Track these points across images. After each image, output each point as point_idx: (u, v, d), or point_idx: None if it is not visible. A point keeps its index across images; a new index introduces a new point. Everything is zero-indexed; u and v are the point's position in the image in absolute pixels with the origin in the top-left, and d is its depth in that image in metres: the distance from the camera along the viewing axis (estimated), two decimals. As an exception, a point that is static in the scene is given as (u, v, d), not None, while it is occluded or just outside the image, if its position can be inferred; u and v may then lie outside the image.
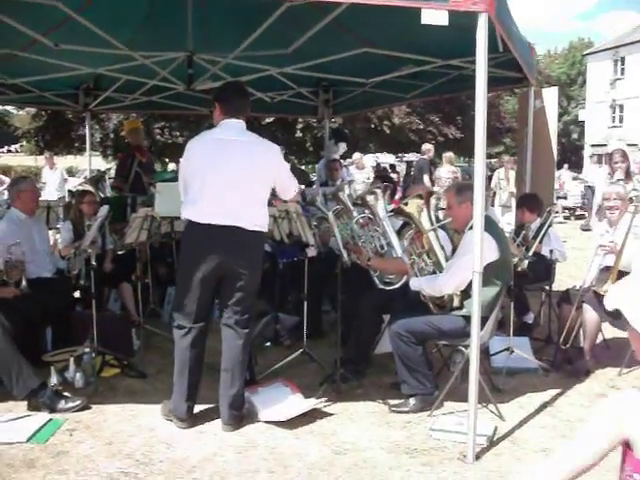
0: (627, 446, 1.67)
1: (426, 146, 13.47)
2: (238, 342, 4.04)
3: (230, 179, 3.86)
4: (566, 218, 18.89)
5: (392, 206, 5.13)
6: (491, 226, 4.21)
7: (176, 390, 4.05)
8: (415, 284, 4.40)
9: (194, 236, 3.94)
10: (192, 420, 4.05)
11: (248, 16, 5.29)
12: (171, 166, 20.05)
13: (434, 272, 4.42)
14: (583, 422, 4.11)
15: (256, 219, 3.94)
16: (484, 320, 3.96)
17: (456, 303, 4.27)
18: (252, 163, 3.92)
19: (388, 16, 4.67)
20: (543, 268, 5.65)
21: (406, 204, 4.54)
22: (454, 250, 4.49)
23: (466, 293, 4.16)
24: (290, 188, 4.25)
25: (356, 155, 14.96)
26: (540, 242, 5.73)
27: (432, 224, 4.44)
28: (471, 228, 3.93)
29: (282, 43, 6.07)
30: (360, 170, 13.74)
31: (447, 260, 4.40)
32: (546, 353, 5.45)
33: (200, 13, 5.54)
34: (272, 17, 5.19)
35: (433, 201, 4.49)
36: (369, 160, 20.71)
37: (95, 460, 3.57)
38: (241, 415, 4.06)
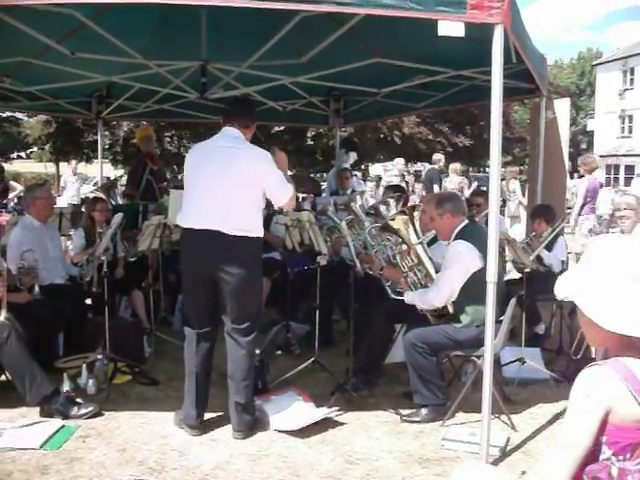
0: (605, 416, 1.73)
1: (437, 156, 13.49)
2: (239, 351, 4.02)
3: (210, 184, 3.93)
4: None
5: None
6: (471, 235, 4.25)
7: (186, 397, 4.08)
8: (409, 298, 4.45)
9: (183, 241, 4.09)
10: (203, 427, 4.06)
11: (262, 26, 5.31)
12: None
13: (426, 285, 4.47)
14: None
15: (238, 224, 3.88)
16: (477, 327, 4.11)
17: (451, 311, 4.30)
18: (233, 168, 3.91)
19: (402, 27, 4.68)
20: (544, 277, 5.61)
21: (393, 219, 4.57)
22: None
23: (459, 304, 4.23)
24: (280, 195, 4.10)
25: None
26: (546, 248, 5.76)
27: (418, 237, 4.47)
28: (455, 239, 4.24)
29: (295, 53, 6.11)
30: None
31: (437, 272, 4.42)
32: (557, 364, 5.43)
33: (214, 22, 5.58)
34: (287, 27, 5.22)
35: (417, 214, 4.51)
36: (378, 170, 20.71)
37: (108, 467, 3.58)
38: (251, 422, 4.06)
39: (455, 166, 13.27)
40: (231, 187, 3.89)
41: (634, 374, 1.69)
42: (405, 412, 4.36)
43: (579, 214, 10.03)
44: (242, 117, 4.13)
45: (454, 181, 12.96)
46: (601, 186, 12.32)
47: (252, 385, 4.12)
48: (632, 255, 1.74)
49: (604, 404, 1.69)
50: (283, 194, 4.10)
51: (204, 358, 4.08)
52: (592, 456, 1.74)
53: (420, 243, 4.48)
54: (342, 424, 4.22)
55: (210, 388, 4.20)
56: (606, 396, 1.69)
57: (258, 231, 4.00)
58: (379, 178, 16.93)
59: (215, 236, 3.84)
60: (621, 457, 1.70)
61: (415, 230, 4.48)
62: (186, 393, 4.08)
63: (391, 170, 14.52)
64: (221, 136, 4.11)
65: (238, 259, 3.88)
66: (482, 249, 4.15)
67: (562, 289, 1.81)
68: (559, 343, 5.78)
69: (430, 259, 4.53)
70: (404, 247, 4.58)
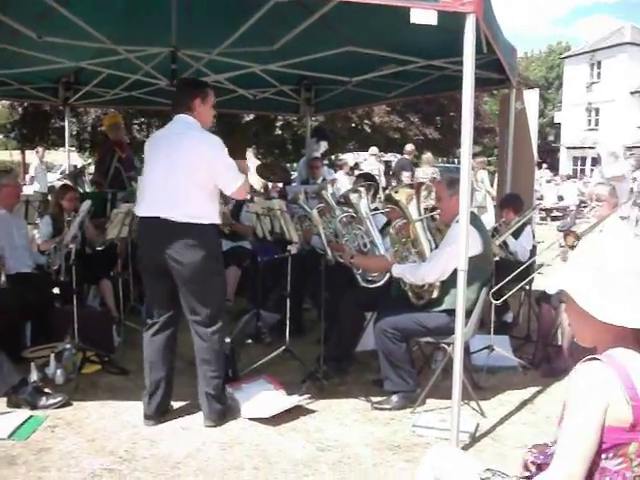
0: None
1: (410, 147, 13.51)
2: (201, 343, 3.99)
3: (159, 172, 3.91)
4: (543, 219, 19.08)
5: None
6: (476, 220, 4.28)
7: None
8: (398, 270, 4.43)
9: (138, 229, 4.14)
10: (158, 417, 4.01)
11: (233, 12, 5.28)
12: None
13: (415, 262, 4.47)
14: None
15: (187, 210, 3.81)
16: (468, 313, 4.00)
17: (435, 295, 4.30)
18: (181, 154, 3.86)
19: (374, 15, 4.68)
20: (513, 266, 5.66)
21: (396, 192, 4.57)
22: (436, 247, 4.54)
23: (445, 288, 4.22)
24: (228, 181, 3.96)
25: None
26: (513, 237, 5.85)
27: (420, 214, 4.48)
28: (458, 221, 3.96)
29: (266, 40, 6.06)
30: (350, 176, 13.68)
31: (432, 251, 4.44)
32: (525, 351, 5.52)
33: (185, 8, 5.52)
34: (258, 14, 5.18)
35: (423, 192, 4.53)
36: (349, 159, 20.72)
37: (78, 457, 3.55)
38: (222, 411, 4.04)
39: (428, 156, 13.31)
40: (179, 173, 3.83)
41: (627, 371, 1.67)
42: (376, 399, 4.39)
43: None
44: (182, 102, 4.02)
45: (426, 171, 13.00)
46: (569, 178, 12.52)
47: (221, 374, 4.08)
48: (628, 250, 1.75)
49: (604, 404, 1.66)
50: (232, 180, 3.96)
51: (160, 348, 4.02)
52: None
53: (420, 220, 4.48)
54: (313, 412, 4.24)
55: (176, 377, 4.17)
56: (605, 395, 1.66)
57: (211, 218, 3.92)
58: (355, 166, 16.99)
59: (164, 224, 3.81)
60: (603, 455, 1.68)
61: (418, 207, 4.48)
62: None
63: (367, 160, 14.52)
64: (173, 123, 4.06)
65: (189, 247, 3.81)
66: (482, 236, 4.22)
67: (557, 283, 1.80)
68: (527, 331, 5.87)
69: (428, 239, 4.54)
70: (400, 222, 4.58)
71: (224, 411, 4.06)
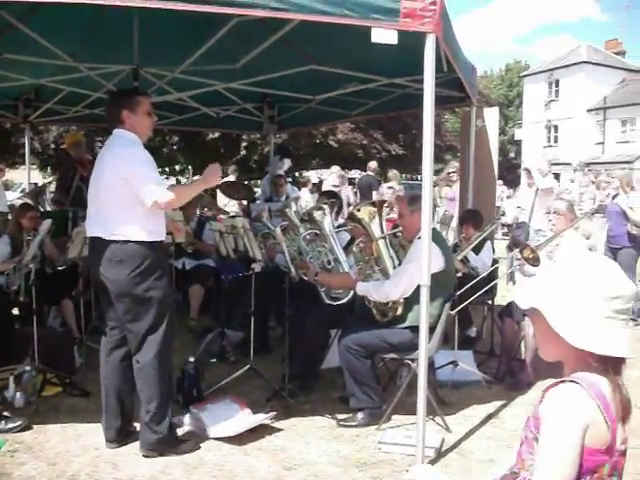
0: None
1: (374, 164, 13.65)
2: (134, 365, 3.84)
3: (91, 190, 3.92)
4: (505, 234, 19.31)
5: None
6: (438, 237, 4.33)
7: None
8: (362, 288, 4.45)
9: None
10: (120, 440, 3.91)
11: (196, 30, 5.27)
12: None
13: (379, 280, 4.49)
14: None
15: (113, 228, 3.72)
16: (431, 329, 3.99)
17: (399, 311, 4.32)
18: (100, 172, 3.83)
19: (336, 34, 4.72)
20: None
21: (359, 210, 4.60)
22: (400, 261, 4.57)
23: (408, 304, 4.25)
24: (143, 195, 3.68)
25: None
26: (474, 252, 5.91)
27: (383, 232, 4.51)
28: (420, 237, 4.00)
29: (229, 58, 6.07)
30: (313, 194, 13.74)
31: (395, 268, 4.46)
32: (489, 366, 5.57)
33: (147, 26, 5.49)
34: (220, 32, 5.19)
35: (385, 210, 4.56)
36: (312, 177, 20.80)
37: (37, 481, 3.47)
38: (156, 441, 3.79)
39: (395, 173, 13.44)
40: (101, 192, 3.81)
41: (602, 391, 1.67)
42: (341, 417, 4.39)
43: None
44: (112, 116, 3.94)
45: (395, 188, 13.10)
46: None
47: (158, 402, 3.80)
48: (604, 274, 1.72)
49: (583, 428, 1.63)
50: (147, 195, 3.67)
51: (116, 368, 3.92)
52: None
53: (383, 238, 4.50)
54: (279, 430, 4.21)
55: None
56: (584, 419, 1.64)
57: (138, 235, 3.73)
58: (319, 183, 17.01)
59: (96, 242, 3.81)
60: (581, 479, 1.65)
61: (380, 224, 4.50)
62: None
63: (328, 178, 14.58)
64: (109, 139, 4.01)
65: (116, 264, 3.72)
66: (445, 252, 4.26)
67: (528, 300, 1.76)
68: (490, 345, 5.92)
69: (391, 256, 4.56)
70: (363, 240, 4.60)
71: (159, 442, 3.81)
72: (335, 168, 14.69)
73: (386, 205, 4.68)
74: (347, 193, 12.35)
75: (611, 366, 1.71)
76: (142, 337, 3.78)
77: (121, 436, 3.94)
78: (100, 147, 24.86)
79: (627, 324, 1.72)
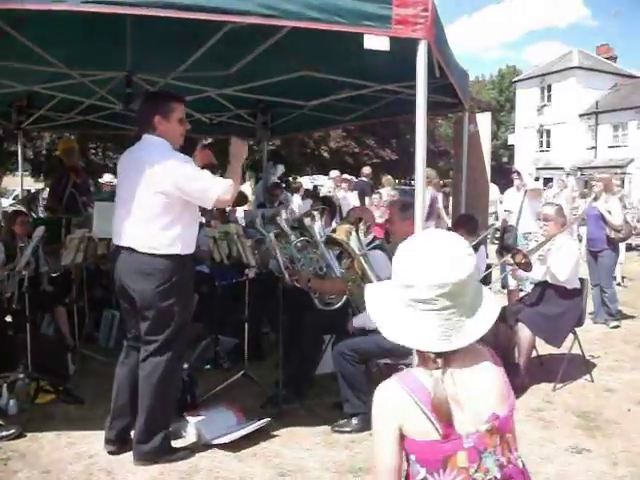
0: (402, 434, 1.71)
1: (367, 169, 13.66)
2: (141, 371, 3.81)
3: (122, 198, 3.82)
4: (496, 239, 19.34)
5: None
6: None
7: None
8: (359, 322, 4.44)
9: (111, 256, 3.98)
10: (121, 444, 3.89)
11: (189, 37, 5.27)
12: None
13: None
14: (521, 436, 4.22)
15: (149, 241, 3.68)
16: None
17: None
18: (133, 181, 3.69)
19: (328, 40, 4.74)
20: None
21: (334, 231, 4.60)
22: None
23: None
24: (204, 198, 3.69)
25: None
26: None
27: (362, 248, 4.51)
28: None
29: (222, 65, 6.08)
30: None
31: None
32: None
33: (139, 32, 5.50)
34: (213, 39, 5.20)
35: (362, 226, 4.55)
36: (305, 182, 20.80)
37: (31, 489, 3.45)
38: (148, 452, 3.77)
39: (388, 178, 13.47)
40: (135, 201, 3.70)
41: (422, 384, 1.67)
42: (336, 422, 4.38)
43: None
44: (144, 119, 3.85)
45: (389, 193, 13.10)
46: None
47: (159, 412, 3.80)
48: (406, 260, 1.70)
49: (394, 421, 1.67)
50: (208, 196, 3.67)
51: (130, 370, 3.91)
52: (411, 477, 1.72)
53: (363, 255, 4.49)
54: (273, 436, 4.21)
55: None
56: (393, 412, 1.67)
57: (170, 248, 3.70)
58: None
59: (125, 252, 3.74)
60: (435, 474, 1.66)
61: (359, 240, 4.49)
62: None
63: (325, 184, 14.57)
64: (139, 145, 3.89)
65: (145, 277, 3.69)
66: None
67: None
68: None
69: (372, 270, 4.55)
70: (347, 261, 4.60)
71: (156, 450, 3.79)
72: (334, 173, 14.59)
73: (364, 221, 4.64)
74: (344, 194, 12.23)
75: (426, 358, 1.70)
76: (157, 347, 3.75)
77: (120, 440, 3.90)
78: (94, 154, 24.97)
79: (439, 314, 1.65)
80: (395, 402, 1.68)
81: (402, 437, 1.69)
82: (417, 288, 1.64)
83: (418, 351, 1.73)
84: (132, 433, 3.86)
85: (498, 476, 1.66)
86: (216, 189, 3.66)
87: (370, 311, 1.77)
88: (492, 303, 1.76)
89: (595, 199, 8.14)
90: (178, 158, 3.73)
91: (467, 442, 1.65)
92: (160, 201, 3.66)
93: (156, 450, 3.78)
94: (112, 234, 3.91)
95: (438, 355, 1.67)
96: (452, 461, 1.64)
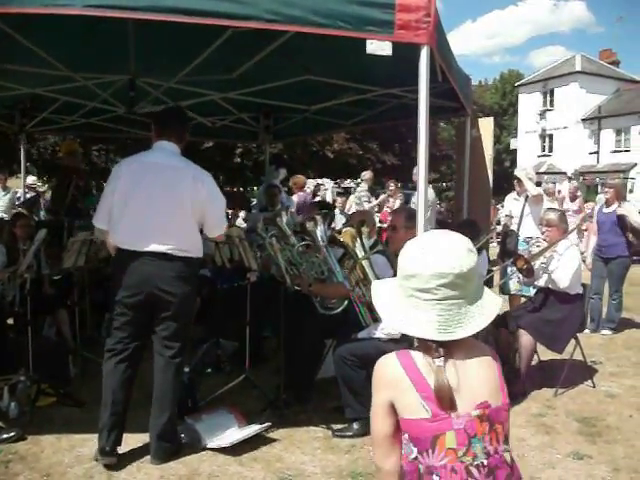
0: (394, 410, 1.77)
1: (369, 173, 13.63)
2: (167, 371, 3.90)
3: (154, 203, 3.79)
4: (499, 243, 19.33)
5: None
6: None
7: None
8: (364, 336, 4.42)
9: (120, 261, 3.85)
10: (117, 456, 3.83)
11: (192, 41, 5.28)
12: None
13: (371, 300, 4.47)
14: (522, 442, 4.22)
15: (183, 245, 3.80)
16: None
17: None
18: (177, 188, 3.79)
19: (331, 45, 4.74)
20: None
21: (339, 233, 4.60)
22: (395, 275, 4.55)
23: None
24: (217, 225, 4.06)
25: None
26: None
27: (365, 252, 4.50)
28: None
29: (225, 69, 6.10)
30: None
31: None
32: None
33: (143, 36, 5.51)
34: (216, 43, 5.21)
35: (365, 229, 4.55)
36: (310, 185, 20.78)
37: (31, 493, 3.45)
38: (172, 448, 3.89)
39: (394, 183, 13.43)
40: (176, 208, 3.79)
41: (415, 363, 1.73)
42: (337, 427, 4.38)
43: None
44: (178, 130, 4.00)
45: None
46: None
47: (175, 409, 3.95)
48: (409, 251, 1.80)
49: (387, 392, 1.75)
50: (219, 226, 4.08)
51: (123, 377, 3.87)
52: (405, 457, 1.76)
53: (367, 258, 4.49)
54: (274, 440, 4.20)
55: (132, 408, 4.01)
56: (388, 384, 1.75)
57: (199, 252, 3.94)
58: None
59: (160, 257, 3.74)
60: (425, 454, 1.68)
61: (362, 244, 4.49)
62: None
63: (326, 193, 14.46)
64: (156, 151, 3.94)
65: (184, 281, 3.82)
66: None
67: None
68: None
69: (375, 274, 4.54)
70: (350, 264, 4.59)
71: (173, 449, 3.92)
72: (330, 184, 14.55)
73: (367, 224, 4.64)
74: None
75: (428, 347, 1.74)
76: (181, 345, 3.94)
77: (116, 451, 3.85)
78: (97, 156, 24.96)
79: (438, 304, 1.72)
80: (389, 375, 1.75)
81: (394, 409, 1.75)
82: (419, 277, 1.72)
83: (421, 340, 1.77)
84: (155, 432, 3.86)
85: (485, 463, 1.69)
86: (223, 227, 4.12)
87: (375, 303, 1.85)
88: (494, 297, 1.84)
89: (607, 205, 8.01)
90: (211, 180, 4.03)
91: (457, 423, 1.68)
92: (187, 206, 3.85)
93: (178, 449, 3.96)
94: (127, 239, 3.82)
95: (440, 345, 1.72)
96: (441, 441, 1.68)
